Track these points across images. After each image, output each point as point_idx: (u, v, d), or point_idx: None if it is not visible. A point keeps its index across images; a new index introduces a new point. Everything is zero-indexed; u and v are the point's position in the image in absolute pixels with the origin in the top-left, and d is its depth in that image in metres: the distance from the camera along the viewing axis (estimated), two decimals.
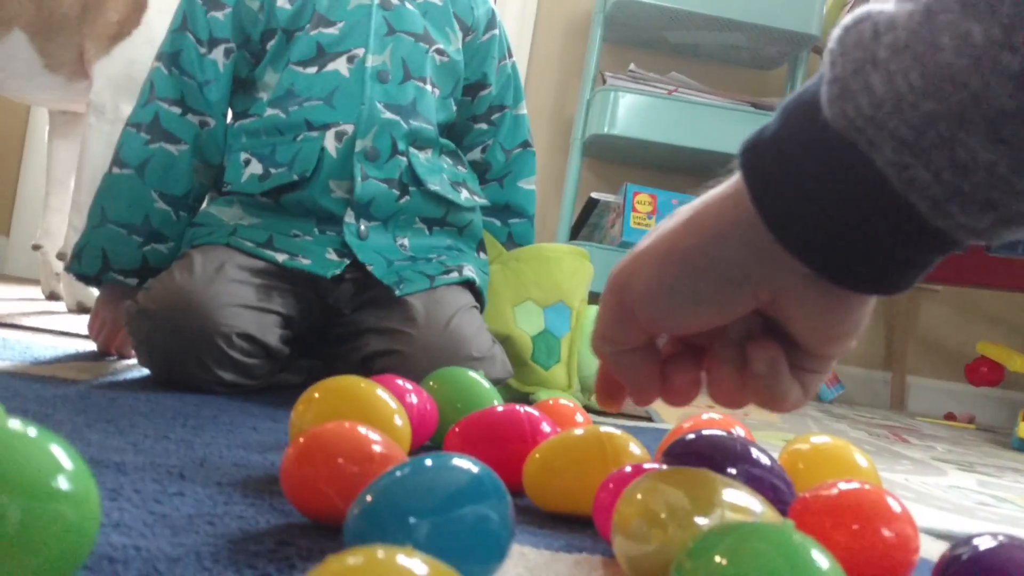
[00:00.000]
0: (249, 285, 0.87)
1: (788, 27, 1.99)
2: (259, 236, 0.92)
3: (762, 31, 2.03)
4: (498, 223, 1.15)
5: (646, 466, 0.47)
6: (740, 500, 0.38)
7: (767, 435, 1.19)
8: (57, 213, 1.71)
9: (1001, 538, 0.38)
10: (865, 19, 0.31)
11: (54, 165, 1.73)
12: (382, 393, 0.56)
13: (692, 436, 0.50)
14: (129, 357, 1.00)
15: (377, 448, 0.44)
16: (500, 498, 0.37)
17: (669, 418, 1.16)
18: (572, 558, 0.45)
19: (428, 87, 1.01)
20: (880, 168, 0.30)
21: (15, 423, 0.30)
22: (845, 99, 0.30)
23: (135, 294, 0.89)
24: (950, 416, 2.18)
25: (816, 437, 0.59)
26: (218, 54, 0.98)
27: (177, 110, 0.97)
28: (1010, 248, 1.85)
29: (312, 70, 0.96)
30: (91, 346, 1.05)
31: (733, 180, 0.35)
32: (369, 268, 0.91)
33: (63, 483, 0.29)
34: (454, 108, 1.07)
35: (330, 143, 0.94)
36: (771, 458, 0.49)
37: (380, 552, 0.25)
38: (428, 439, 0.66)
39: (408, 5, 1.02)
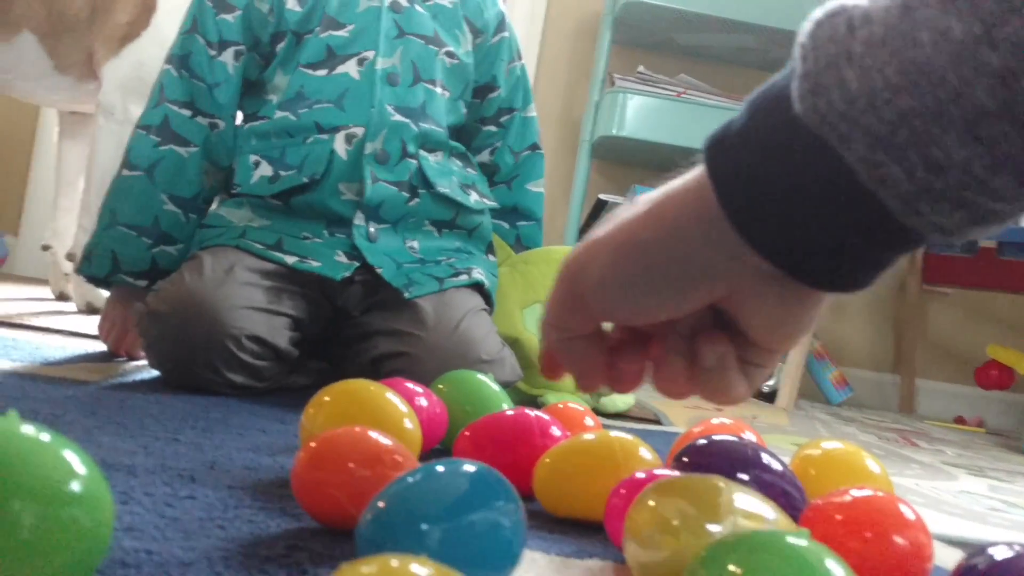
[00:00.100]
0: (258, 287, 0.87)
1: (797, 29, 1.98)
2: (268, 238, 0.92)
3: (771, 33, 2.02)
4: (506, 226, 1.15)
5: (657, 472, 0.46)
6: (753, 507, 0.37)
7: (776, 439, 1.18)
8: (66, 214, 1.72)
9: (1018, 547, 0.38)
10: (839, 13, 0.30)
11: (63, 166, 1.74)
12: (392, 396, 0.56)
13: (703, 441, 0.50)
14: (139, 358, 1.00)
15: (388, 453, 0.44)
16: (512, 504, 0.37)
17: (678, 421, 1.16)
18: (583, 564, 0.45)
19: (438, 89, 1.01)
20: (850, 165, 0.29)
21: (28, 428, 0.30)
22: (817, 94, 0.29)
23: (145, 296, 0.89)
24: (960, 420, 2.17)
25: (827, 442, 0.59)
26: (228, 56, 0.98)
27: (187, 112, 0.97)
28: (1020, 251, 1.84)
29: (322, 72, 0.96)
30: (101, 347, 1.05)
31: (696, 173, 0.34)
32: (378, 270, 0.91)
33: (77, 489, 0.29)
34: (464, 110, 1.07)
35: (340, 146, 0.94)
36: (782, 463, 0.49)
37: (394, 561, 0.25)
38: (438, 442, 0.66)
39: (418, 7, 1.02)
